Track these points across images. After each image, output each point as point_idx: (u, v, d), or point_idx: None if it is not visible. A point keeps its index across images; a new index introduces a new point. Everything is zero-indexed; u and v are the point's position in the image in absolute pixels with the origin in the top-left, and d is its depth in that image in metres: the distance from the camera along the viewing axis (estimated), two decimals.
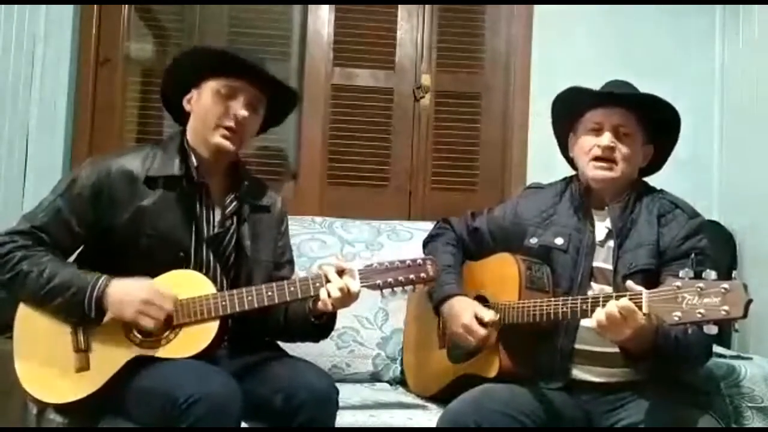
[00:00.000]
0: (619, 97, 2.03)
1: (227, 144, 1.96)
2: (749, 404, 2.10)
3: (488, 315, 2.01)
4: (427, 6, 3.18)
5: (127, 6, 3.08)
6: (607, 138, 2.01)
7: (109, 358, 1.85)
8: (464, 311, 2.04)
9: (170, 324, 1.86)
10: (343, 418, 1.95)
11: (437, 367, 2.25)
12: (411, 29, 3.19)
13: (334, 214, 2.83)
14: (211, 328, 1.86)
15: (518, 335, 1.99)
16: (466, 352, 2.12)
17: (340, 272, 1.91)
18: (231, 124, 1.95)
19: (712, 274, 1.61)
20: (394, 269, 1.93)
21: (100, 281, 1.85)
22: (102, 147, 2.94)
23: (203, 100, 1.98)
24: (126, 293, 1.84)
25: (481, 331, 2.00)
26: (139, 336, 1.87)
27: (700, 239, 2.00)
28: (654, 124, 2.06)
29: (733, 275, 1.63)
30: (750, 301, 1.57)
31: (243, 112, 1.95)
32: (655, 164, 2.14)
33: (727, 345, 2.59)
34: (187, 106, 2.02)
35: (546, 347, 1.99)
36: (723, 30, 3.14)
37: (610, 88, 2.08)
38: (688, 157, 3.02)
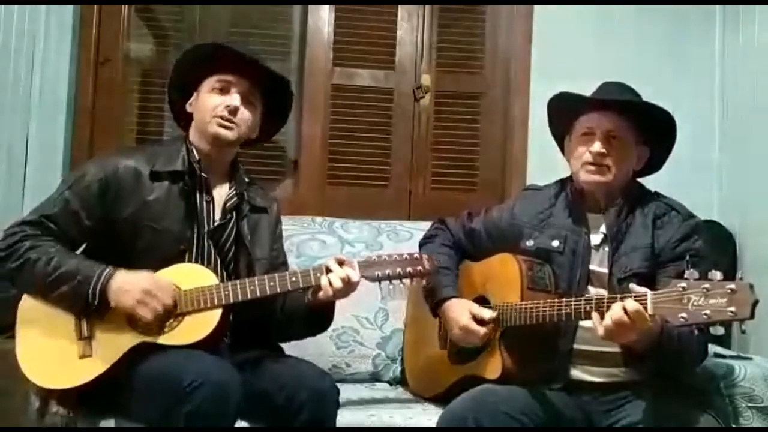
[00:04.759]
0: (609, 103, 2.02)
1: (224, 132, 2.01)
2: (749, 404, 2.09)
3: (487, 313, 2.02)
4: (427, 6, 3.18)
5: (127, 6, 3.08)
6: (597, 145, 2.00)
7: (113, 345, 1.87)
8: (461, 313, 2.05)
9: (173, 312, 1.88)
10: (343, 418, 1.96)
11: (439, 369, 2.25)
12: (411, 29, 3.19)
13: (334, 214, 2.83)
14: (214, 317, 1.88)
15: (520, 336, 1.99)
16: (467, 354, 2.12)
17: (340, 263, 1.94)
18: (225, 113, 2.01)
19: (717, 275, 1.60)
20: (392, 262, 1.97)
21: (106, 271, 1.87)
22: (102, 147, 2.94)
23: (201, 98, 2.05)
24: (127, 282, 1.86)
25: (481, 330, 2.00)
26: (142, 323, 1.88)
27: (695, 241, 1.99)
28: (648, 127, 2.05)
29: (739, 275, 1.62)
30: (757, 302, 1.56)
31: (236, 102, 2.01)
32: (654, 165, 2.13)
33: (727, 345, 2.59)
34: (189, 109, 2.08)
35: (546, 348, 1.99)
36: (723, 30, 3.14)
37: (601, 93, 2.07)
38: (688, 157, 3.02)
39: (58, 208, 1.95)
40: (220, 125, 2.00)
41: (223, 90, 2.02)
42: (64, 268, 1.88)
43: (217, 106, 2.01)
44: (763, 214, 2.82)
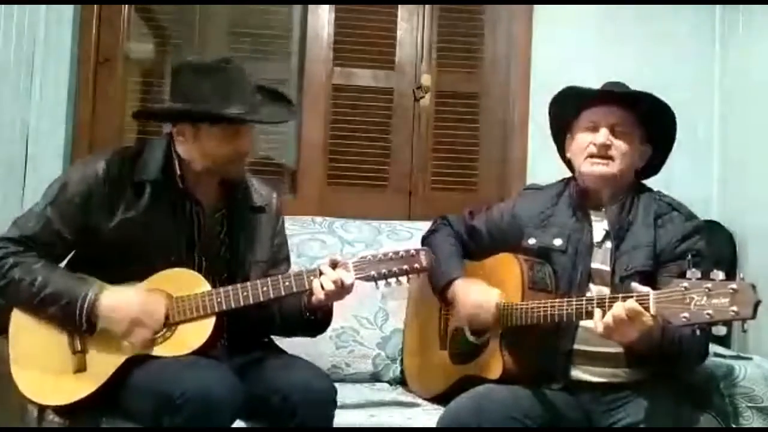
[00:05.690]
0: (616, 95, 2.03)
1: (240, 173, 2.01)
2: (749, 404, 2.10)
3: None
4: (427, 6, 3.18)
5: (127, 6, 3.07)
6: (603, 135, 2.01)
7: (107, 358, 1.86)
8: (474, 289, 2.04)
9: (165, 321, 1.87)
10: (342, 418, 1.96)
11: (439, 369, 2.25)
12: (411, 29, 3.18)
13: (334, 214, 2.82)
14: (207, 325, 1.87)
15: (520, 336, 1.99)
16: (467, 354, 2.11)
17: (334, 265, 1.91)
18: (242, 160, 1.98)
19: (719, 275, 1.60)
20: (388, 260, 1.93)
21: (90, 294, 1.85)
22: (102, 147, 2.93)
23: (205, 142, 1.92)
24: (116, 309, 1.85)
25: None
26: None
27: (697, 241, 2.00)
28: (651, 123, 2.06)
29: (740, 275, 1.62)
30: (759, 302, 1.56)
31: (249, 148, 1.98)
32: (654, 167, 2.13)
33: (727, 345, 2.59)
34: (178, 138, 1.95)
35: (546, 348, 1.99)
36: (723, 30, 3.14)
37: (606, 88, 2.07)
38: (688, 157, 3.02)
39: (40, 227, 1.91)
40: (235, 167, 1.97)
41: (234, 136, 1.92)
42: (49, 289, 1.86)
43: (232, 154, 1.93)
44: (763, 215, 2.82)
